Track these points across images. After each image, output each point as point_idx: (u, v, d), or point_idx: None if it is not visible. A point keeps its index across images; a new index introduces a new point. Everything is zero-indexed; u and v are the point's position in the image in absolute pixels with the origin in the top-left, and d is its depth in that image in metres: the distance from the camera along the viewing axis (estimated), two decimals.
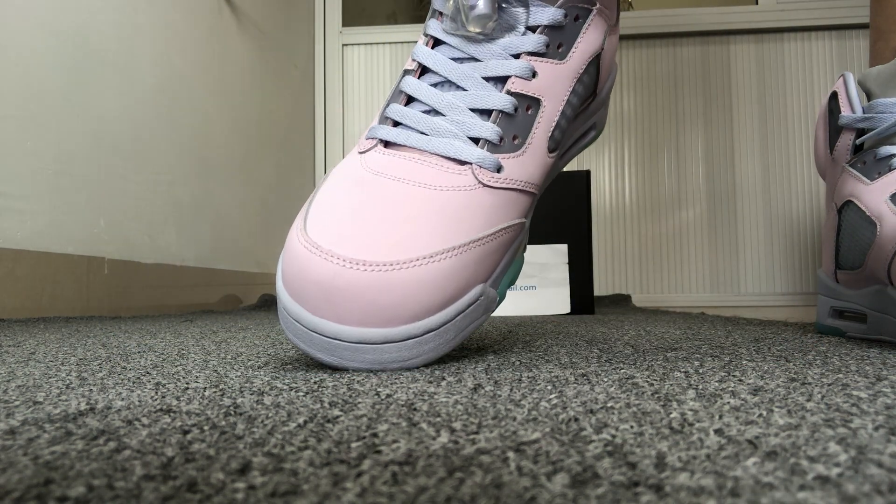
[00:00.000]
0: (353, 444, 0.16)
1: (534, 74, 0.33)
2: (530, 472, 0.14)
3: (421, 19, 1.67)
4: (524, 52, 0.33)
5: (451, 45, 0.33)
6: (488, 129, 0.32)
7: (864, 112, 0.53)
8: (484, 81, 0.32)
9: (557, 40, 0.34)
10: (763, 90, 1.50)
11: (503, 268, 0.34)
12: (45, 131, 0.79)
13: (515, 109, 0.32)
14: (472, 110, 0.32)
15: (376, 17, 1.81)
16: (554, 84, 0.33)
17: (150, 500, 0.12)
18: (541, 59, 0.33)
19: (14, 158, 0.75)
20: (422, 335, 0.29)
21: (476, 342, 0.44)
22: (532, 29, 0.33)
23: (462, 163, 0.31)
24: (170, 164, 1.04)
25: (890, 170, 0.49)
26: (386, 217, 0.30)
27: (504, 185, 0.32)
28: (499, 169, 0.32)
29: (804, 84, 1.49)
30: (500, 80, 0.33)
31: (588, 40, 0.35)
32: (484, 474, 0.14)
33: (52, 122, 0.80)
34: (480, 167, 0.31)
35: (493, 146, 0.32)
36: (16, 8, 0.75)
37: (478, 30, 0.32)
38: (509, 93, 0.32)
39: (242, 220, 1.26)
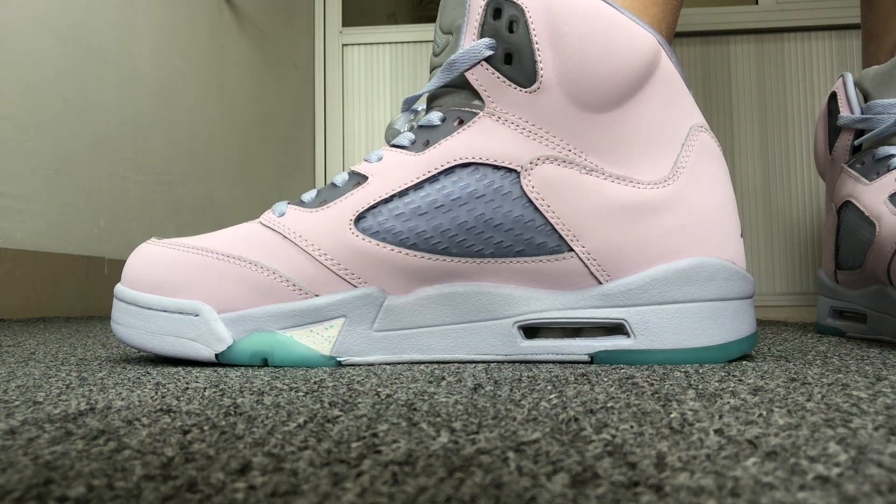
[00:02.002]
0: (353, 444, 0.16)
1: (379, 159, 0.35)
2: (530, 472, 0.14)
3: (421, 19, 1.67)
4: (391, 146, 0.36)
5: None
6: (308, 194, 0.36)
7: (862, 113, 0.53)
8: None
9: (425, 138, 0.35)
10: (763, 90, 1.50)
11: (244, 308, 0.33)
12: (45, 131, 0.79)
13: (342, 183, 0.35)
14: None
15: (376, 17, 1.81)
16: (392, 168, 0.35)
17: (150, 500, 0.12)
18: (397, 150, 0.35)
19: (14, 158, 0.75)
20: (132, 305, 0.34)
21: None
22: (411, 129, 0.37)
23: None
24: (170, 164, 1.04)
25: (888, 170, 0.49)
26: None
27: (272, 227, 0.35)
28: (281, 215, 0.35)
29: (804, 84, 1.49)
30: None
31: (457, 141, 0.34)
32: (484, 474, 0.14)
33: (52, 122, 0.80)
34: (271, 212, 0.35)
35: (301, 203, 0.35)
36: (16, 7, 0.75)
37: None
38: (350, 171, 0.36)
39: (242, 220, 1.26)
